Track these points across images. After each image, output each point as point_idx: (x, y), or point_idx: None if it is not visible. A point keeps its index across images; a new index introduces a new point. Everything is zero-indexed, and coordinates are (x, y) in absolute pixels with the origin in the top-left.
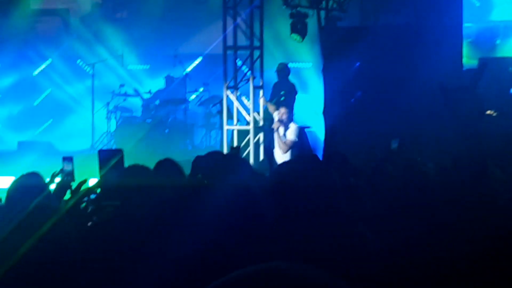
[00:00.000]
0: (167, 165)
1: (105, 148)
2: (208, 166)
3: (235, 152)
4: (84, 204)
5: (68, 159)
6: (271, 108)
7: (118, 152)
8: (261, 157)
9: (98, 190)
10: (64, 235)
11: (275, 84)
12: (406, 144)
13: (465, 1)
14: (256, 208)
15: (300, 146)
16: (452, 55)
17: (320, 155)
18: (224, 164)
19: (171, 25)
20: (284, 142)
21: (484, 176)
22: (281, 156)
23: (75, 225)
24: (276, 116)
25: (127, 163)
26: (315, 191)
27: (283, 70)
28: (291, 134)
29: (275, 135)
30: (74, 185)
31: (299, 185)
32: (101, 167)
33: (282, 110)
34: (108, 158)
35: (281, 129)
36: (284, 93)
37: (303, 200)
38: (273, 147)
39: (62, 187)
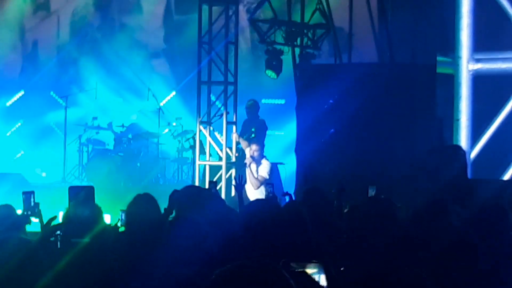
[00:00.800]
0: (144, 199)
1: (76, 180)
2: (184, 200)
3: (213, 186)
4: (53, 238)
5: (28, 193)
6: (243, 144)
7: (88, 189)
8: (233, 192)
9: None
10: (35, 269)
11: (245, 120)
12: (382, 191)
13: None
14: (229, 243)
15: (272, 182)
16: (425, 94)
17: (292, 191)
18: (199, 199)
19: (145, 58)
20: (256, 178)
21: (445, 213)
22: (252, 192)
23: (45, 260)
24: (248, 152)
25: (98, 196)
26: (285, 228)
27: (253, 107)
28: (263, 170)
29: (247, 171)
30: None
31: (269, 223)
32: (70, 204)
33: (254, 147)
34: (79, 194)
35: (253, 165)
36: (254, 130)
37: (273, 237)
38: (244, 183)
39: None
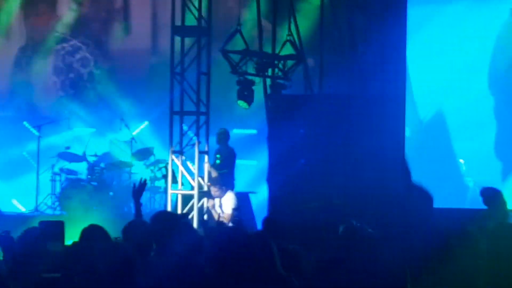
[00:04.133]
0: (93, 231)
1: (49, 209)
2: (160, 228)
3: (182, 217)
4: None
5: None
6: (213, 173)
7: (58, 224)
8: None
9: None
10: None
11: (217, 150)
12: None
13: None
14: (203, 271)
15: (241, 211)
16: (395, 125)
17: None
18: (175, 227)
19: (118, 88)
20: (223, 217)
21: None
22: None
23: None
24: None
25: (71, 225)
26: (252, 258)
27: (223, 134)
28: (227, 207)
29: (212, 212)
30: None
31: (235, 253)
32: (40, 239)
33: (213, 188)
34: (49, 229)
35: (217, 205)
36: (219, 157)
37: (238, 266)
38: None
39: None
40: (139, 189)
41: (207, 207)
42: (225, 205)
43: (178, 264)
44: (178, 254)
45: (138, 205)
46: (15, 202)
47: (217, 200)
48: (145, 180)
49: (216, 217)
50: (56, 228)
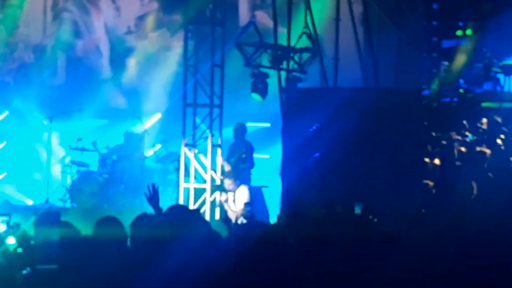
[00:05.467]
0: (108, 223)
1: (59, 202)
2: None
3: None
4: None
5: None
6: (227, 167)
7: (55, 215)
8: (217, 215)
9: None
10: None
11: (232, 144)
12: (369, 209)
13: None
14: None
15: (254, 206)
16: (410, 118)
17: (275, 215)
18: (188, 220)
19: (131, 80)
20: (235, 211)
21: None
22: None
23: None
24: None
25: (82, 218)
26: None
27: (240, 130)
28: (240, 201)
29: (225, 206)
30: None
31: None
32: (36, 230)
33: (227, 181)
34: (45, 220)
35: (230, 199)
36: (245, 151)
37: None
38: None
39: None
40: (153, 195)
41: (220, 201)
42: (238, 199)
43: (190, 258)
44: (191, 248)
45: (158, 211)
46: (19, 196)
47: (230, 194)
48: (155, 185)
49: (228, 211)
50: (52, 219)
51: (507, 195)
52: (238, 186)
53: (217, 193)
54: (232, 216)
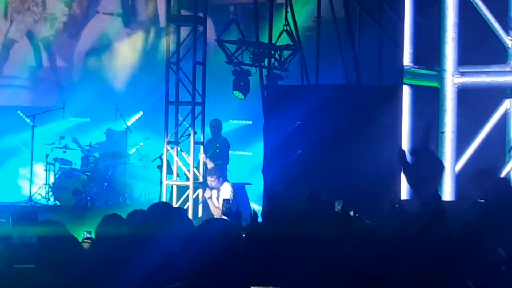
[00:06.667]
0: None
1: (42, 199)
2: (153, 218)
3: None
4: None
5: None
6: (210, 164)
7: (31, 215)
8: (200, 212)
9: None
10: None
11: (209, 140)
12: (348, 205)
13: None
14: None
15: (237, 203)
16: (391, 114)
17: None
18: (169, 217)
19: (113, 78)
20: (218, 208)
21: None
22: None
23: None
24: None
25: (64, 216)
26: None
27: (216, 126)
28: (226, 196)
29: (209, 202)
30: None
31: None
32: (13, 230)
33: (210, 178)
34: (22, 220)
35: (214, 196)
36: (219, 145)
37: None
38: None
39: None
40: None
41: (203, 197)
42: (221, 196)
43: (171, 255)
44: (172, 246)
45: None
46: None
47: (214, 191)
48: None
49: (212, 207)
50: (29, 219)
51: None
52: (221, 183)
53: (199, 190)
54: (215, 212)
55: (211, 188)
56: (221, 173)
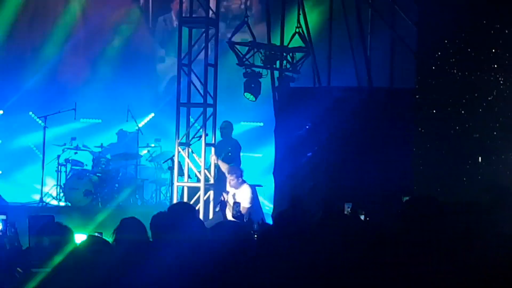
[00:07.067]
0: (132, 224)
1: (54, 200)
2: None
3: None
4: None
5: None
6: (223, 167)
7: (48, 218)
8: (211, 214)
9: None
10: None
11: (219, 142)
12: (359, 208)
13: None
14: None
15: (253, 206)
16: (403, 118)
17: (269, 214)
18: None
19: (125, 79)
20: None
21: None
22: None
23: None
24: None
25: (75, 216)
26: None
27: (227, 128)
28: (245, 201)
29: (227, 204)
30: None
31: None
32: (30, 233)
33: (229, 177)
34: (38, 224)
35: (231, 197)
36: (230, 149)
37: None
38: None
39: None
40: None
41: (220, 200)
42: (240, 198)
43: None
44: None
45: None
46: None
47: (231, 189)
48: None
49: (228, 209)
50: (46, 223)
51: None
52: (240, 184)
53: (210, 192)
54: (230, 216)
55: (231, 187)
56: (241, 173)
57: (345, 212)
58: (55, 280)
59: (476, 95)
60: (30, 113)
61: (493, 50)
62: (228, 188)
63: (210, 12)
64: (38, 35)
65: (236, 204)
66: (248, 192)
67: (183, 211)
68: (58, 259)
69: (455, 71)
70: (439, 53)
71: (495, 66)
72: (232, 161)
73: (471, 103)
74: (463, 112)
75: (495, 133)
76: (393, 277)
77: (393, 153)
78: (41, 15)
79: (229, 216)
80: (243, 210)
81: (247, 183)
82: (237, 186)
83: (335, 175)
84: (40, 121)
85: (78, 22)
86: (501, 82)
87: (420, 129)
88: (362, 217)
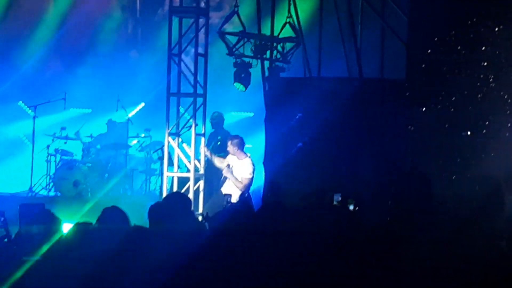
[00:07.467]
0: (114, 213)
1: (43, 190)
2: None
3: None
4: None
5: None
6: (216, 161)
7: (39, 206)
8: (200, 205)
9: None
10: None
11: (211, 133)
12: (348, 197)
13: None
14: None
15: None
16: (393, 108)
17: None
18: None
19: (114, 69)
20: (241, 182)
21: None
22: (237, 193)
23: None
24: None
25: (65, 206)
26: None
27: (218, 118)
28: (246, 171)
29: (230, 176)
30: None
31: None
32: (21, 222)
33: (229, 143)
34: (30, 212)
35: (234, 168)
36: (220, 138)
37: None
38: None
39: None
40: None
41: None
42: (243, 171)
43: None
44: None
45: None
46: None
47: (234, 168)
48: None
49: (234, 181)
50: (37, 211)
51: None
52: (239, 153)
53: (200, 182)
54: (238, 186)
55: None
56: (242, 144)
57: (335, 203)
58: (44, 267)
59: (465, 92)
60: (20, 102)
61: (483, 48)
62: (229, 159)
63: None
64: (27, 23)
65: (227, 196)
66: (249, 164)
67: (178, 202)
68: (45, 247)
69: (445, 68)
70: (430, 46)
71: (485, 64)
72: (222, 151)
73: (461, 100)
74: (452, 109)
75: (484, 131)
76: (380, 271)
77: (384, 143)
78: (31, 3)
79: (235, 197)
80: (244, 181)
81: (250, 157)
82: (236, 154)
83: (326, 166)
84: (29, 111)
85: (68, 11)
86: (491, 80)
87: (410, 127)
88: (351, 207)
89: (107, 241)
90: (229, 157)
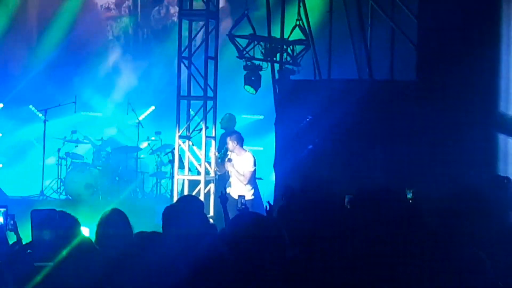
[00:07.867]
0: (114, 215)
1: (54, 194)
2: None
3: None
4: None
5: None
6: (225, 166)
7: (51, 212)
8: (211, 210)
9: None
10: None
11: (222, 135)
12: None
13: None
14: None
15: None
16: (404, 110)
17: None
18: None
19: (125, 72)
20: (243, 175)
21: None
22: (241, 189)
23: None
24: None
25: (76, 210)
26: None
27: (229, 121)
28: (247, 165)
29: (232, 170)
30: None
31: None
32: (33, 228)
33: (228, 140)
34: (41, 218)
35: (236, 162)
36: None
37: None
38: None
39: None
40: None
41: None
42: (245, 165)
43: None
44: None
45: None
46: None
47: (236, 163)
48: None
49: (236, 175)
50: (49, 217)
51: None
52: (238, 149)
53: (211, 185)
54: (241, 180)
55: (232, 152)
56: (241, 140)
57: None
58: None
59: (477, 92)
60: (30, 106)
61: (493, 48)
62: (230, 155)
63: (210, 4)
64: (38, 27)
65: (240, 197)
66: (250, 157)
67: (192, 204)
68: (65, 251)
69: (454, 69)
70: (439, 47)
71: (493, 63)
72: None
73: (472, 101)
74: (464, 110)
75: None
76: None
77: (394, 145)
78: (41, 7)
79: (239, 191)
80: (247, 175)
81: (249, 151)
82: (235, 149)
83: (336, 168)
84: (40, 114)
85: (78, 16)
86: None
87: (421, 127)
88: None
89: (122, 246)
90: (229, 153)
